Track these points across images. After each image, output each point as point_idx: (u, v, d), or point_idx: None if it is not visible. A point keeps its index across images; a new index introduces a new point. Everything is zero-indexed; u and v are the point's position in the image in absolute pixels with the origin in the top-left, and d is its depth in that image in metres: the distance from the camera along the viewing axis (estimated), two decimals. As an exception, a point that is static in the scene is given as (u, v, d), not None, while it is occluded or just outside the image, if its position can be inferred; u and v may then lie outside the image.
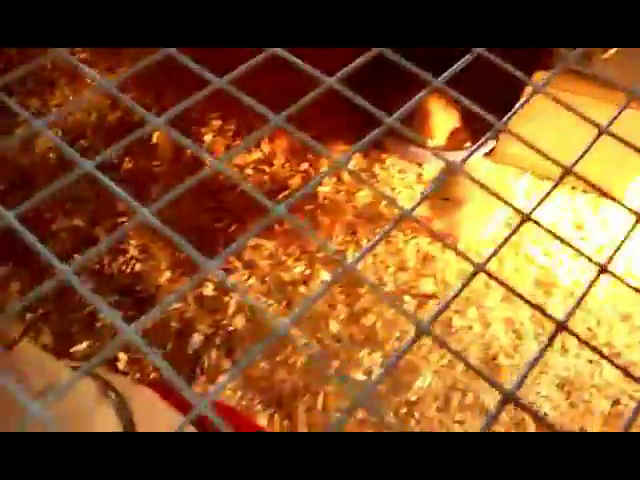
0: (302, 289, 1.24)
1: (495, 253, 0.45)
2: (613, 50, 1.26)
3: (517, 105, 0.66)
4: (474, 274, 0.43)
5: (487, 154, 1.47)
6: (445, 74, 0.60)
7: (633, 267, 1.33)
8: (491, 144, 1.45)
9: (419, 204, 0.34)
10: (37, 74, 1.54)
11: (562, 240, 0.56)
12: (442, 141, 1.42)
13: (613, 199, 0.57)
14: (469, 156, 0.40)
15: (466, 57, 0.61)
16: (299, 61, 0.63)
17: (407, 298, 1.25)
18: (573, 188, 1.47)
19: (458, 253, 0.51)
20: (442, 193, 1.30)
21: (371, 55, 0.61)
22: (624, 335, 1.25)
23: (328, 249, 0.62)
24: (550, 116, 1.33)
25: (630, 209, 0.55)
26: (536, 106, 1.24)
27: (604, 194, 0.66)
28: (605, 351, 1.19)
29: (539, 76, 1.26)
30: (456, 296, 0.32)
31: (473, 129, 1.48)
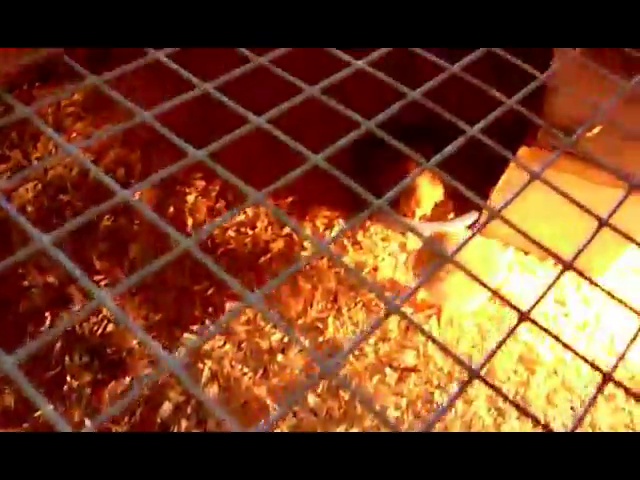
0: (279, 357, 1.20)
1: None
2: (597, 129, 1.28)
3: (513, 195, 0.65)
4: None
5: (470, 226, 1.47)
6: (437, 156, 0.59)
7: (615, 345, 1.31)
8: (474, 216, 1.45)
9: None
10: (20, 126, 1.52)
11: (540, 326, 0.54)
12: (427, 212, 1.43)
13: (592, 282, 0.56)
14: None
15: (459, 140, 0.61)
16: (287, 137, 0.62)
17: (388, 371, 1.21)
18: (556, 264, 1.46)
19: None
20: (428, 264, 1.29)
21: (360, 133, 0.61)
22: (607, 415, 1.22)
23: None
24: (536, 193, 1.34)
25: (608, 292, 0.54)
26: (520, 179, 1.24)
27: (582, 275, 0.64)
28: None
29: (523, 153, 1.28)
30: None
31: (457, 201, 1.49)
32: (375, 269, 1.37)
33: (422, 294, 1.30)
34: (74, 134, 1.51)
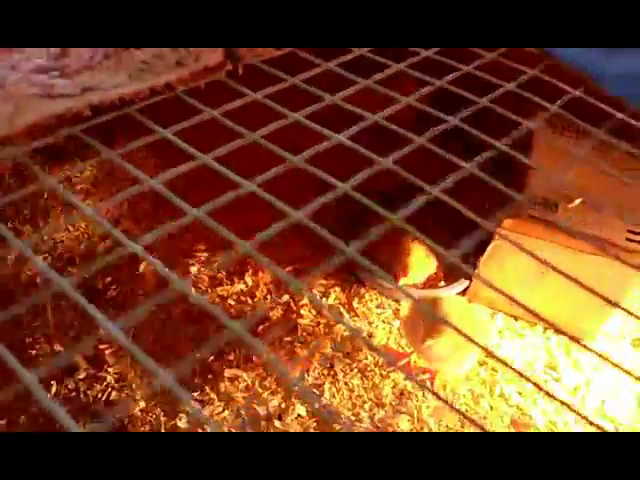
0: (277, 423, 1.23)
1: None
2: (578, 200, 1.36)
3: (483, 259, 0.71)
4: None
5: (461, 293, 1.53)
6: (405, 212, 0.66)
7: (606, 409, 1.34)
8: (464, 283, 1.51)
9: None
10: (32, 201, 1.61)
11: (534, 383, 0.58)
12: (419, 281, 1.49)
13: (583, 345, 0.60)
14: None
15: (421, 198, 0.68)
16: (274, 198, 0.70)
17: (383, 435, 1.24)
18: (546, 329, 1.51)
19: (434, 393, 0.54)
20: (421, 329, 1.34)
21: (338, 194, 0.68)
22: None
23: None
24: (520, 260, 1.40)
25: (599, 354, 0.58)
26: (506, 248, 1.31)
27: (573, 339, 0.68)
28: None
29: (507, 224, 1.35)
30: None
31: (448, 270, 1.55)
32: (370, 335, 1.42)
33: (415, 357, 1.34)
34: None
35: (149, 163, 1.55)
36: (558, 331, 1.43)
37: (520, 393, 1.36)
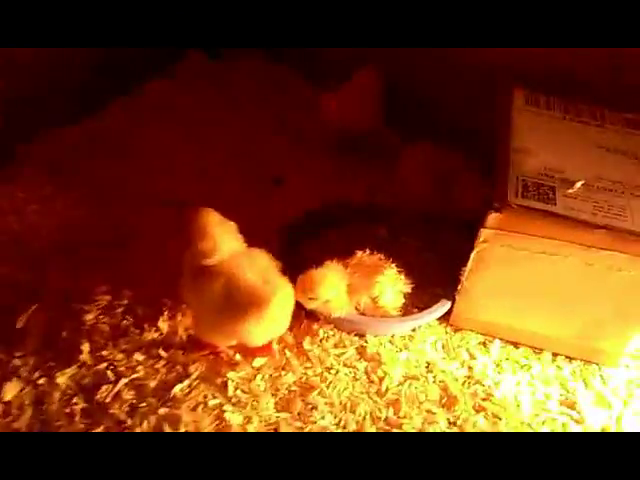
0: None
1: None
2: (579, 183, 1.05)
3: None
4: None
5: (442, 318, 1.19)
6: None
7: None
8: (445, 306, 1.17)
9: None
10: None
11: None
12: (388, 308, 1.14)
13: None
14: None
15: None
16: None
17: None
18: (556, 356, 1.17)
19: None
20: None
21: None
22: None
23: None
24: (513, 265, 1.07)
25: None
26: (495, 253, 0.97)
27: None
28: None
29: (493, 221, 1.03)
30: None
31: (425, 291, 1.22)
32: (328, 386, 1.06)
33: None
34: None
35: None
36: (572, 357, 1.10)
37: (534, 445, 1.01)
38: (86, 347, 1.07)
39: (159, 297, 1.17)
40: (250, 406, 1.01)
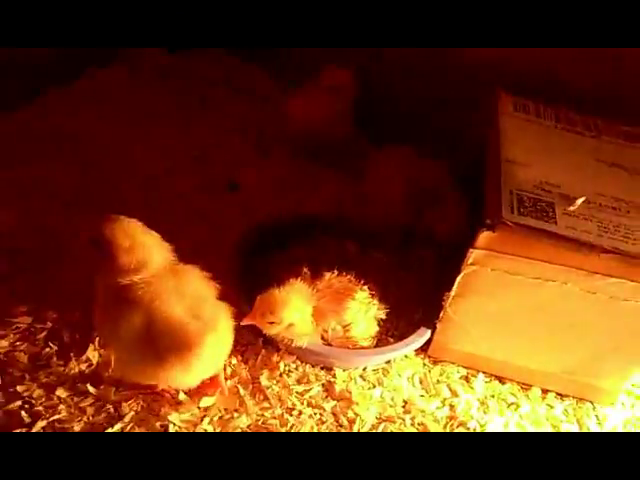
0: None
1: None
2: (581, 200, 0.92)
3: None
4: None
5: (419, 348, 1.04)
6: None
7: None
8: (424, 336, 1.02)
9: None
10: None
11: None
12: (358, 338, 0.99)
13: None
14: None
15: None
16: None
17: None
18: (546, 393, 1.04)
19: None
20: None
21: None
22: None
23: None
24: (503, 291, 0.94)
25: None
26: (484, 277, 0.80)
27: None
28: None
29: (484, 240, 0.89)
30: None
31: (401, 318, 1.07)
32: (290, 430, 0.89)
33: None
34: None
35: None
36: (563, 394, 0.97)
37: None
38: (-5, 382, 0.89)
39: (89, 321, 0.99)
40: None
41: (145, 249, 0.79)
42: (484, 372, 1.05)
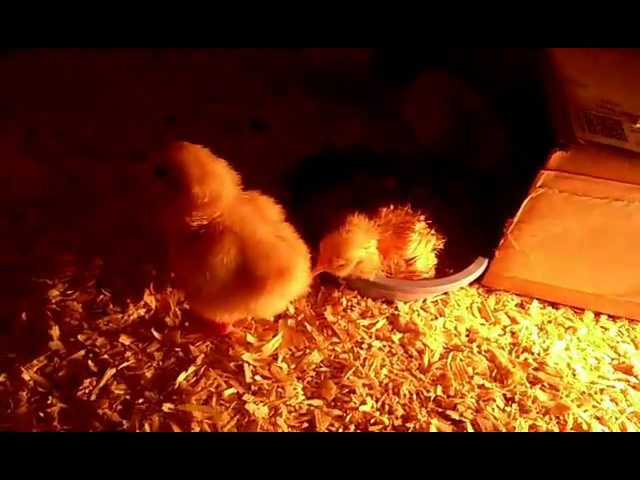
0: None
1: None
2: (645, 118, 0.90)
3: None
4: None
5: (477, 281, 1.03)
6: None
7: None
8: (483, 265, 1.01)
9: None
10: None
11: None
12: (420, 269, 0.97)
13: None
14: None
15: None
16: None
17: None
18: (597, 314, 1.05)
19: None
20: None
21: None
22: None
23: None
24: (569, 214, 0.93)
25: None
26: (551, 201, 0.76)
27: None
28: None
29: (556, 160, 0.87)
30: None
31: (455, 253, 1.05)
32: (363, 364, 0.88)
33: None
34: None
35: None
36: (615, 316, 0.96)
37: (599, 418, 0.88)
38: (55, 331, 0.84)
39: (137, 265, 0.95)
40: (275, 394, 0.82)
41: (217, 177, 0.74)
42: (538, 299, 1.05)
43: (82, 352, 0.82)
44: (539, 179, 0.89)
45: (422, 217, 0.98)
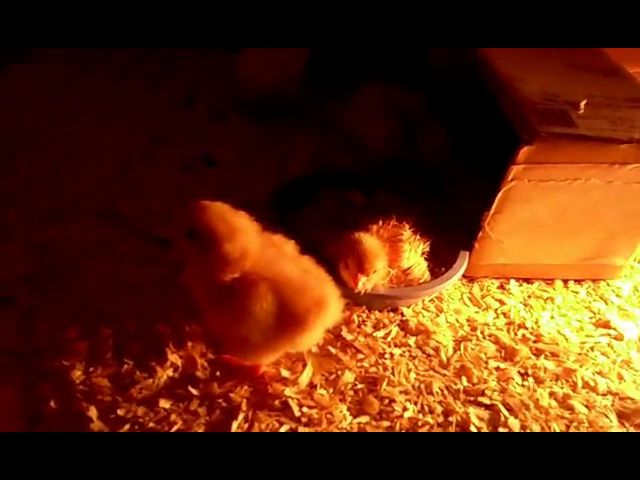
0: None
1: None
2: (583, 103, 1.02)
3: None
4: None
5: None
6: None
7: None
8: (466, 260, 1.09)
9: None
10: None
11: None
12: (416, 275, 1.03)
13: None
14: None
15: None
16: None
17: None
18: (565, 281, 1.17)
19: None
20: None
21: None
22: None
23: None
24: (539, 200, 1.03)
25: None
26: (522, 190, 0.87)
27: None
28: None
29: (525, 154, 0.97)
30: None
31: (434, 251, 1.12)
32: (392, 373, 0.93)
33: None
34: None
35: None
36: (580, 280, 1.09)
37: (600, 373, 0.99)
38: (93, 412, 0.82)
39: (148, 325, 0.94)
40: (325, 421, 0.85)
41: (244, 232, 0.76)
42: (514, 278, 1.15)
43: (127, 426, 0.81)
44: (509, 173, 0.98)
45: (407, 225, 1.05)
